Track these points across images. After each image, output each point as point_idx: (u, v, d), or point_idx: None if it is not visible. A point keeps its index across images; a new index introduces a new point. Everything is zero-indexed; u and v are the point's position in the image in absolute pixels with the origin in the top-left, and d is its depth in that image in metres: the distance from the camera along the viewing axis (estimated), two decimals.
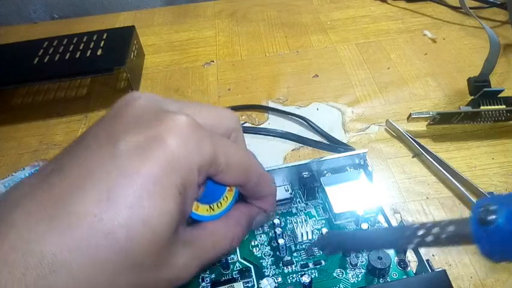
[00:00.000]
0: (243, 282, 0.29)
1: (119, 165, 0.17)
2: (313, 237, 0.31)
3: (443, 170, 0.38)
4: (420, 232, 0.17)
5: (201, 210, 0.22)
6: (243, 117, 0.48)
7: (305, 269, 0.29)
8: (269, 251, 0.31)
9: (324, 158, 0.34)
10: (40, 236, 0.15)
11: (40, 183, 0.17)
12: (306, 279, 0.26)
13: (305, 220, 0.32)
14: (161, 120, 0.18)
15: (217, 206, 0.23)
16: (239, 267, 0.30)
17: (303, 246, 0.31)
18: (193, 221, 0.22)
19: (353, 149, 0.41)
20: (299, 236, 0.30)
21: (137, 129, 0.18)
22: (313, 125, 0.45)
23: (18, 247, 0.15)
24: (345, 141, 0.44)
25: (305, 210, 0.33)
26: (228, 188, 0.23)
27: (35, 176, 0.18)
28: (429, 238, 0.17)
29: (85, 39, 0.55)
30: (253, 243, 0.31)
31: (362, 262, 0.29)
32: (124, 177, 0.17)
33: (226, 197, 0.24)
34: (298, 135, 0.44)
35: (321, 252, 0.30)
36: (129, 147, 0.17)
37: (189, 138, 0.18)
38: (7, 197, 0.17)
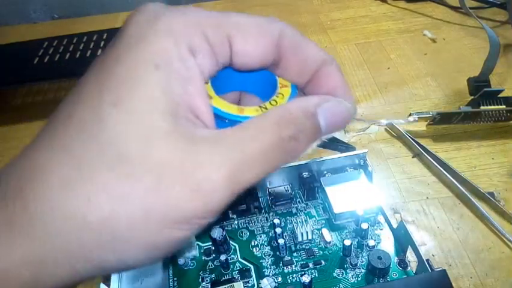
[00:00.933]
0: (243, 282, 0.29)
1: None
2: (313, 237, 0.31)
3: (443, 170, 0.38)
4: None
5: (247, 111, 0.17)
6: None
7: (305, 269, 0.29)
8: (269, 251, 0.31)
9: (324, 158, 0.34)
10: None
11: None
12: (306, 279, 0.26)
13: (305, 220, 0.32)
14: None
15: (271, 103, 0.17)
16: (239, 267, 0.30)
17: (303, 246, 0.31)
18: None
19: (353, 148, 0.41)
20: (299, 236, 0.30)
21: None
22: None
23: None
24: (345, 141, 0.44)
25: (305, 210, 0.33)
26: (278, 80, 0.18)
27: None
28: None
29: (85, 39, 0.55)
30: (253, 243, 0.31)
31: (362, 262, 0.29)
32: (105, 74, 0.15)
33: (282, 94, 0.18)
34: None
35: None
36: (101, 54, 0.16)
37: (157, 9, 0.15)
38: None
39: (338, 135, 0.44)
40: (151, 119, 0.14)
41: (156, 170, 0.14)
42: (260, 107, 0.17)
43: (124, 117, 0.14)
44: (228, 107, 0.17)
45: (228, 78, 0.18)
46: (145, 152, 0.14)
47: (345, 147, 0.42)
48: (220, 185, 0.14)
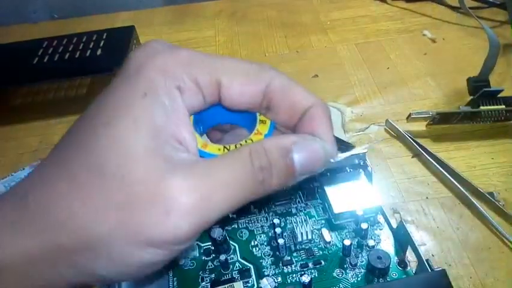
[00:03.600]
0: (243, 282, 0.29)
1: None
2: (313, 237, 0.31)
3: (443, 170, 0.38)
4: None
5: (210, 148, 0.18)
6: None
7: (305, 269, 0.29)
8: (269, 251, 0.31)
9: None
10: None
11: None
12: (305, 279, 0.26)
13: (305, 220, 0.32)
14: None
15: (236, 147, 0.18)
16: (239, 267, 0.30)
17: (303, 246, 0.31)
18: None
19: (352, 147, 0.41)
20: (299, 236, 0.30)
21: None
22: None
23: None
24: (344, 140, 0.44)
25: (305, 210, 0.33)
26: (257, 127, 0.19)
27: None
28: None
29: (84, 39, 0.55)
30: (253, 243, 0.31)
31: (362, 262, 0.29)
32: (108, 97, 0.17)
33: (259, 132, 0.19)
34: None
35: None
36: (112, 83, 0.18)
37: (155, 47, 0.18)
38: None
39: (338, 134, 0.44)
40: (134, 138, 0.15)
41: (130, 187, 0.15)
42: (224, 147, 0.18)
43: (112, 135, 0.15)
44: (210, 148, 0.18)
45: (215, 112, 0.19)
46: (122, 169, 0.15)
47: (345, 146, 0.42)
48: (191, 209, 0.15)
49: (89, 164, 0.15)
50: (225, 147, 0.18)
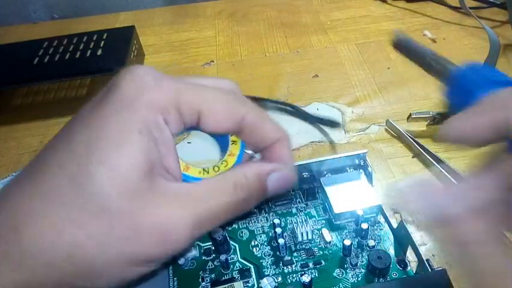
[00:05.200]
0: (243, 282, 0.29)
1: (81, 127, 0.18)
2: (313, 237, 0.31)
3: (443, 170, 0.38)
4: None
5: (192, 171, 0.21)
6: None
7: (305, 269, 0.29)
8: (269, 251, 0.31)
9: (324, 159, 0.34)
10: None
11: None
12: (306, 279, 0.26)
13: (305, 220, 0.32)
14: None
15: (214, 169, 0.21)
16: (239, 267, 0.30)
17: (303, 246, 0.31)
18: None
19: (338, 124, 0.42)
20: (299, 236, 0.30)
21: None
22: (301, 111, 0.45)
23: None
24: (345, 141, 0.44)
25: (305, 210, 0.33)
26: (230, 148, 0.22)
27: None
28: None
29: (85, 39, 0.55)
30: (253, 243, 0.31)
31: (362, 262, 0.29)
32: (86, 128, 0.18)
33: (226, 162, 0.22)
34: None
35: None
36: (90, 105, 0.19)
37: (143, 78, 0.18)
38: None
39: (339, 134, 0.44)
40: (133, 177, 0.17)
41: (132, 221, 0.17)
42: (203, 170, 0.21)
43: (110, 174, 0.17)
44: (192, 171, 0.21)
45: None
46: (124, 206, 0.17)
47: (332, 123, 0.43)
48: (185, 236, 0.18)
49: (90, 201, 0.16)
50: (204, 170, 0.21)
